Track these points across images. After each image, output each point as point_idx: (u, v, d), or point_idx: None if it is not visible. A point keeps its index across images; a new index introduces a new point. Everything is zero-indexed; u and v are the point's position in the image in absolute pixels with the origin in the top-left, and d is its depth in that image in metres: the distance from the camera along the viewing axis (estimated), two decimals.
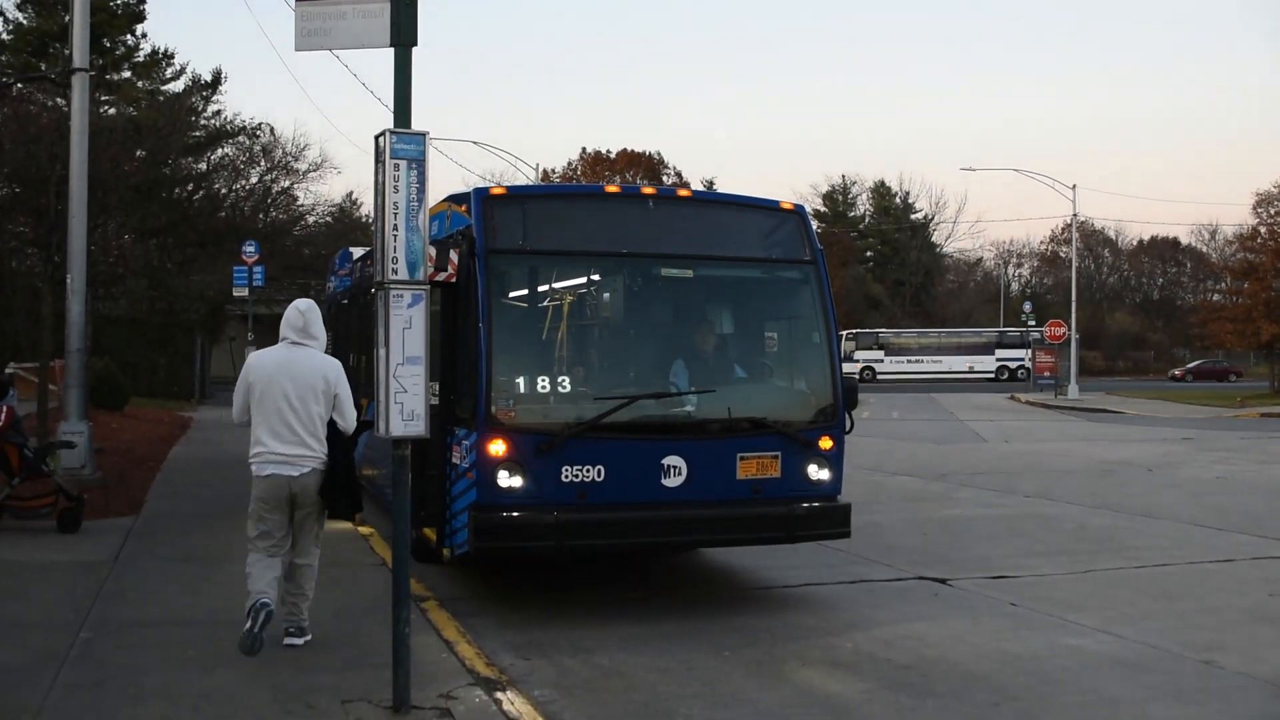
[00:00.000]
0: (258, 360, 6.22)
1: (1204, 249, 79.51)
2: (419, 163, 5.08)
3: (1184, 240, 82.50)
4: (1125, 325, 77.21)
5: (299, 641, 6.24)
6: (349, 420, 6.20)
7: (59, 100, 17.80)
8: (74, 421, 12.49)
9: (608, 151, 70.85)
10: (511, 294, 7.45)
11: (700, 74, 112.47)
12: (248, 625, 5.92)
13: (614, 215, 7.73)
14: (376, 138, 5.09)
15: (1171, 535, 10.69)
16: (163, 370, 32.81)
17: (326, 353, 6.45)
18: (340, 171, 78.00)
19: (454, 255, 7.08)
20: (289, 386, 6.05)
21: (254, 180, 38.40)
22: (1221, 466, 17.01)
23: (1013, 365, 59.21)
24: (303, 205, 42.74)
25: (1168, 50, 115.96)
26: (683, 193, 8.49)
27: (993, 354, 59.36)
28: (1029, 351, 58.96)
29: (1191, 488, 14.38)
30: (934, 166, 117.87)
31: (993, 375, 58.23)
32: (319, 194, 78.64)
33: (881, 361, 58.79)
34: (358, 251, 13.17)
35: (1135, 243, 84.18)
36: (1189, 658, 6.42)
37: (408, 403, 5.06)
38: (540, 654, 6.34)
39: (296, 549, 6.26)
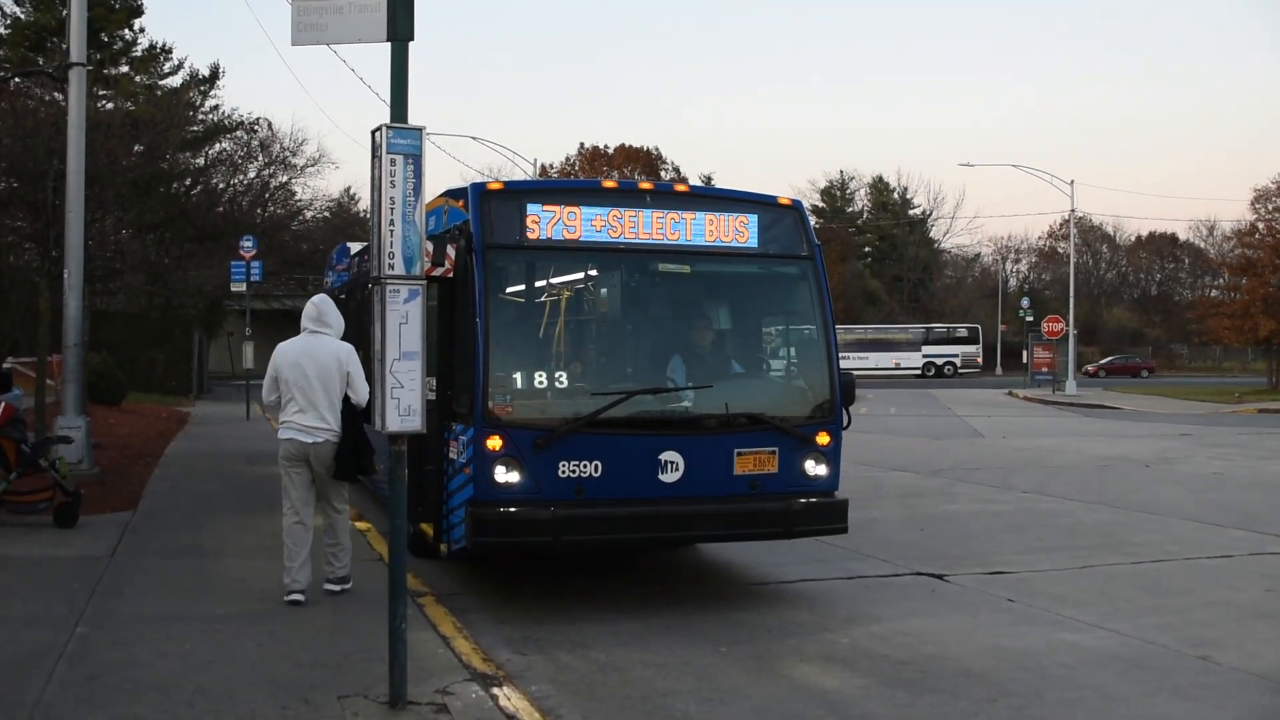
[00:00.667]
0: (283, 349, 7.19)
1: (1202, 245, 79.51)
2: (415, 158, 5.07)
3: (1182, 236, 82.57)
4: (1123, 321, 77.23)
5: (337, 589, 7.26)
6: (361, 395, 6.98)
7: (56, 95, 17.74)
8: (71, 416, 12.48)
9: (605, 147, 70.76)
10: (509, 289, 7.44)
11: (698, 69, 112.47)
12: (286, 599, 7.08)
13: (611, 211, 7.71)
14: (373, 133, 5.07)
15: (1169, 531, 10.70)
16: (160, 365, 32.77)
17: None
18: (338, 166, 78.05)
19: (451, 250, 7.07)
20: (309, 369, 7.04)
21: (252, 175, 38.35)
22: (1219, 462, 17.02)
23: (940, 362, 59.45)
24: (300, 200, 42.71)
25: (1166, 46, 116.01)
26: (680, 188, 8.47)
27: (919, 350, 59.69)
28: (958, 348, 59.61)
29: (1189, 484, 14.39)
30: (932, 162, 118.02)
31: (919, 371, 58.53)
32: (317, 189, 78.46)
33: None
34: (355, 246, 13.16)
35: (1133, 238, 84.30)
36: (1186, 653, 6.43)
37: (404, 398, 5.06)
38: (537, 649, 6.34)
39: (327, 502, 7.31)
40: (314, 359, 7.05)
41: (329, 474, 7.16)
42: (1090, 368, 63.07)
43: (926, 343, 60.25)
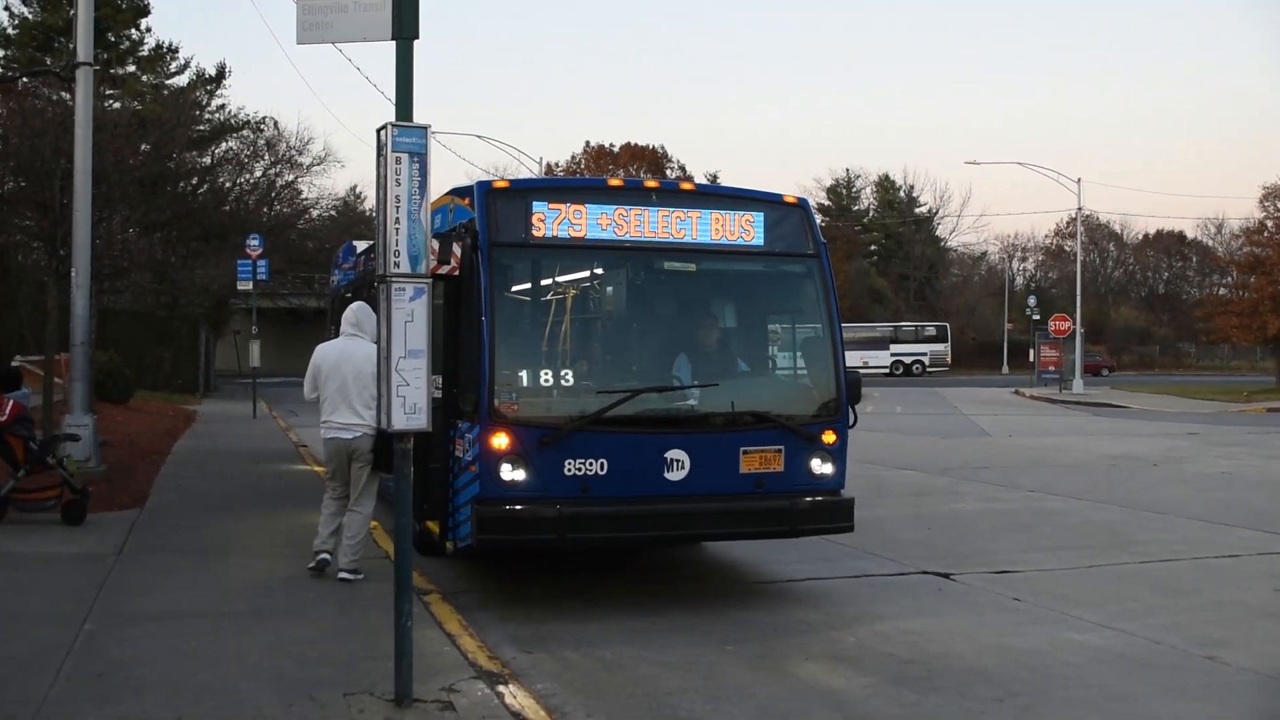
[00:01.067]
0: (323, 351, 7.81)
1: (1210, 243, 79.11)
2: (421, 156, 5.07)
3: (1190, 234, 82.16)
4: (1130, 319, 76.99)
5: (350, 578, 7.64)
6: None
7: (64, 94, 17.80)
8: (79, 414, 12.53)
9: (611, 145, 70.74)
10: (514, 287, 7.45)
11: (704, 67, 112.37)
12: (311, 565, 7.80)
13: (617, 209, 7.71)
14: (378, 131, 5.07)
15: (1176, 530, 10.66)
16: (167, 364, 32.84)
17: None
18: (344, 165, 78.21)
19: (457, 249, 7.08)
20: (346, 370, 7.59)
21: (258, 174, 38.45)
22: (1227, 462, 16.97)
23: (908, 360, 59.19)
24: (307, 199, 42.80)
25: (1174, 43, 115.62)
26: (686, 186, 8.47)
27: (887, 349, 59.30)
28: (926, 347, 59.31)
29: (1197, 483, 14.35)
30: (938, 160, 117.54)
31: (887, 370, 58.18)
32: (323, 188, 78.61)
33: None
34: (361, 245, 13.16)
35: (1140, 236, 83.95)
36: (1193, 653, 6.41)
37: (410, 396, 5.06)
38: (543, 647, 6.34)
39: (352, 499, 7.75)
40: (351, 361, 7.59)
41: (366, 467, 7.68)
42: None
43: (895, 341, 59.81)
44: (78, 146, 12.61)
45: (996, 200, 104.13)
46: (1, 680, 5.47)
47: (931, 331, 61.27)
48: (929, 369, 59.17)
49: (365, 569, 7.78)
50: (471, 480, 6.98)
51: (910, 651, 6.37)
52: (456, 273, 7.08)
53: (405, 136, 5.04)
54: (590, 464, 6.93)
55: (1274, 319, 39.91)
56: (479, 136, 67.73)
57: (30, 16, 34.78)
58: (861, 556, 9.07)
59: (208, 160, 35.34)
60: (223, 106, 37.36)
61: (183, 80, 36.94)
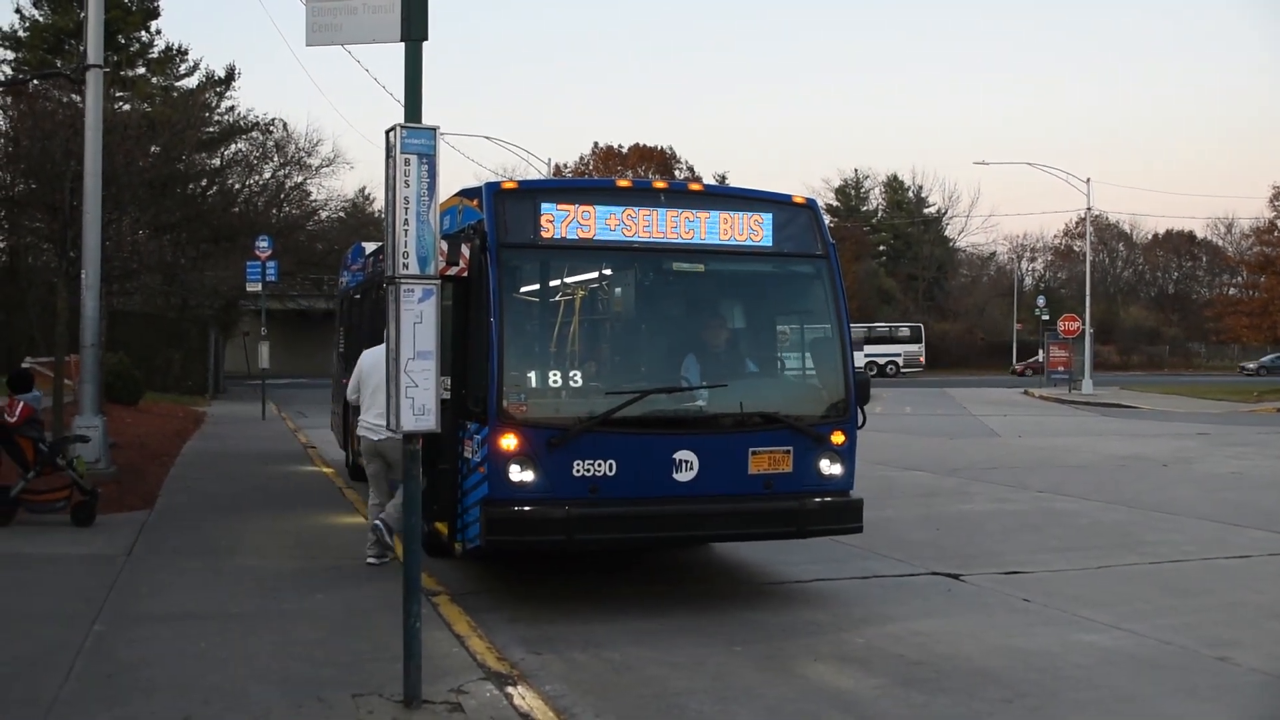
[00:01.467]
0: (367, 355, 8.44)
1: (1220, 242, 78.88)
2: (430, 157, 5.07)
3: (1199, 234, 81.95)
4: (1140, 319, 76.78)
5: (374, 562, 8.18)
6: None
7: (74, 96, 17.86)
8: (88, 416, 12.56)
9: (620, 146, 70.75)
10: (523, 288, 7.44)
11: (713, 68, 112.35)
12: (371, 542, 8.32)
13: (626, 210, 7.71)
14: (387, 132, 5.08)
15: (1186, 531, 10.62)
16: (177, 365, 32.94)
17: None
18: (353, 167, 78.38)
19: (465, 250, 7.08)
20: (380, 375, 7.55)
21: (267, 176, 38.40)
22: (1237, 462, 16.90)
23: (882, 361, 58.83)
24: (316, 200, 42.72)
25: (1183, 43, 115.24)
26: (695, 187, 8.47)
27: (861, 350, 58.65)
28: (901, 347, 59.20)
29: (1207, 484, 14.29)
30: (947, 160, 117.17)
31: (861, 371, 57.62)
32: (332, 189, 78.52)
33: None
34: (370, 246, 13.21)
35: (1150, 236, 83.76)
36: (1203, 654, 6.38)
37: (418, 397, 5.06)
38: (551, 648, 6.34)
39: (394, 485, 8.22)
40: (381, 367, 7.83)
41: (397, 466, 7.87)
42: (1018, 366, 61.92)
43: (868, 342, 59.05)
44: (88, 149, 12.64)
45: (1005, 200, 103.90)
46: (12, 680, 5.49)
47: (905, 332, 61.14)
48: (903, 370, 59.01)
49: (372, 572, 7.82)
50: (480, 481, 6.98)
51: (919, 652, 6.36)
52: (465, 274, 7.08)
53: (414, 138, 5.05)
54: (599, 465, 6.94)
55: None
56: (487, 138, 67.75)
57: (41, 19, 34.94)
58: (870, 557, 9.06)
59: (217, 162, 35.38)
60: (232, 108, 37.47)
61: (192, 82, 37.07)
